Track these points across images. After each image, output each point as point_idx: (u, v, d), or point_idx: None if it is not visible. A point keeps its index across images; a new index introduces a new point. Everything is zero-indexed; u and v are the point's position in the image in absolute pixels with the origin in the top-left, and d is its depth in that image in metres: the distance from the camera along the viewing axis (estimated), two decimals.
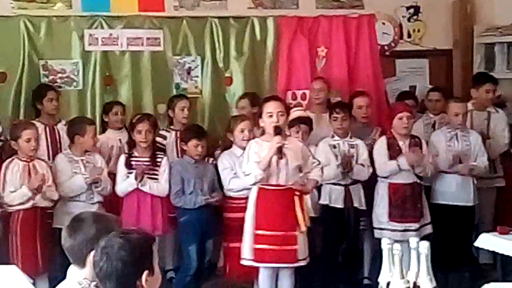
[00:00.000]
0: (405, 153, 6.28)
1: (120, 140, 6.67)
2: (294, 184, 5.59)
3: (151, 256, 2.71)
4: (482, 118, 7.09)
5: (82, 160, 6.12)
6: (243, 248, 5.66)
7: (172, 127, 6.82)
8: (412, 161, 6.23)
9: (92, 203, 6.06)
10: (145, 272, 2.66)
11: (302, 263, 5.62)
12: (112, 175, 6.29)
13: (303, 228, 5.53)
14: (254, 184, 5.61)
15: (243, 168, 5.73)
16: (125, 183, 6.20)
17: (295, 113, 6.35)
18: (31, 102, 6.68)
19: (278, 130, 5.49)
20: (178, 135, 6.70)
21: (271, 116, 5.54)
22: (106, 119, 6.76)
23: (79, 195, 6.03)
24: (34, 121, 6.35)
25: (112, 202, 6.34)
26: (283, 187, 5.57)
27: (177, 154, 6.65)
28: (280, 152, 5.44)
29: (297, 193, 5.57)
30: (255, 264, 5.62)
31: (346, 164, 6.28)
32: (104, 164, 6.24)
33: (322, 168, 5.76)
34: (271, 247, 5.49)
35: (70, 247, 3.01)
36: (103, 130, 6.77)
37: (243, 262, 5.67)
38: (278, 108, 5.56)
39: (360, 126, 6.82)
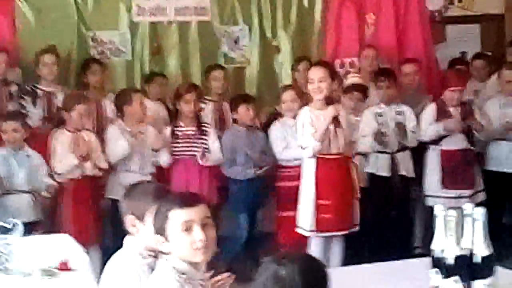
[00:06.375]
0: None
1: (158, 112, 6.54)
2: (347, 152, 5.57)
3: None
4: None
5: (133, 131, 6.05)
6: (301, 217, 5.60)
7: (208, 97, 6.71)
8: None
9: (144, 174, 5.97)
10: None
11: (355, 229, 5.60)
12: None
13: (358, 195, 5.56)
14: (312, 156, 5.54)
15: (299, 141, 5.64)
16: (167, 156, 6.14)
17: (350, 80, 6.34)
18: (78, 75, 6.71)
19: (328, 101, 5.45)
20: (214, 106, 6.67)
21: (312, 82, 5.50)
22: (146, 88, 6.68)
23: (131, 166, 6.00)
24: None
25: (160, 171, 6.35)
26: (341, 156, 5.53)
27: (215, 125, 6.57)
28: (336, 121, 5.42)
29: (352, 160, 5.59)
30: (319, 235, 5.57)
31: (400, 131, 6.22)
32: (156, 134, 6.13)
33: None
34: (333, 216, 5.47)
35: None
36: None
37: (302, 232, 5.60)
38: (319, 75, 5.49)
39: (411, 93, 6.72)
